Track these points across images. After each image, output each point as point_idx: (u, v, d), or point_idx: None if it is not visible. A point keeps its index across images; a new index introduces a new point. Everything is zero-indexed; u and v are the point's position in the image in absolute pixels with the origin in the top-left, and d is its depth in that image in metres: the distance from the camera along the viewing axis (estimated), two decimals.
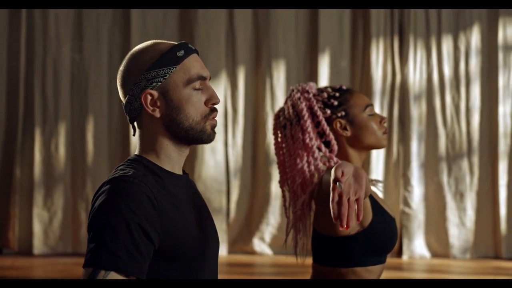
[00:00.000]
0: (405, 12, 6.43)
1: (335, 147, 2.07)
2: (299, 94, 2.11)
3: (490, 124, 6.43)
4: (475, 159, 6.39)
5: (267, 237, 6.48)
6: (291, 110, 2.11)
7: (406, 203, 6.36)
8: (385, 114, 6.42)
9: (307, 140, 2.06)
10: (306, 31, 6.57)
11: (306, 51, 6.57)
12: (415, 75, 6.43)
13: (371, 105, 2.12)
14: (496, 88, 6.39)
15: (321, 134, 2.10)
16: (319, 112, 2.08)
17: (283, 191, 2.18)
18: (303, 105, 2.08)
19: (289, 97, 2.14)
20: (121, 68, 1.63)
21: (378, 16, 6.44)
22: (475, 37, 6.43)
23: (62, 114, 6.44)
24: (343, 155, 2.09)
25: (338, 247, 1.99)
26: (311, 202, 2.11)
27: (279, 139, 2.16)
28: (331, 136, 2.07)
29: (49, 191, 6.40)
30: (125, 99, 1.62)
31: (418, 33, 6.43)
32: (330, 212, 1.95)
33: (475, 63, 6.43)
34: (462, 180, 6.38)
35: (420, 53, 6.44)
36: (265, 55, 6.54)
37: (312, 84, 2.16)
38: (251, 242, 6.49)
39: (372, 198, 2.03)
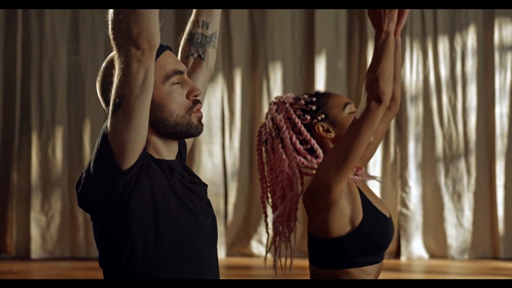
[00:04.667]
0: None
1: (319, 152, 2.07)
2: (276, 106, 2.13)
3: (487, 125, 6.43)
4: (472, 160, 6.39)
5: (265, 239, 6.47)
6: (270, 124, 2.13)
7: (404, 204, 6.36)
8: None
9: (287, 151, 2.07)
10: (302, 33, 6.57)
11: (303, 53, 6.57)
12: (412, 76, 6.43)
13: (350, 103, 2.12)
14: (492, 88, 6.40)
15: (306, 142, 2.10)
16: (297, 120, 2.08)
17: (264, 207, 2.18)
18: (281, 116, 2.10)
19: (268, 111, 2.15)
20: (98, 78, 1.64)
21: None
22: (471, 37, 6.44)
23: (59, 118, 6.43)
24: None
25: (331, 249, 1.99)
26: (294, 214, 2.11)
27: (263, 154, 2.17)
28: (313, 142, 2.08)
29: (46, 195, 6.39)
30: (107, 108, 1.62)
31: (414, 34, 6.44)
32: (321, 214, 1.96)
33: (471, 64, 6.43)
34: (460, 181, 6.38)
35: (416, 54, 6.45)
36: (261, 57, 6.55)
37: (289, 94, 2.18)
38: (249, 245, 6.48)
39: (364, 197, 2.02)
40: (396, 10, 1.96)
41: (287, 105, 2.12)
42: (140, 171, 1.51)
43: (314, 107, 2.09)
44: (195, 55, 1.86)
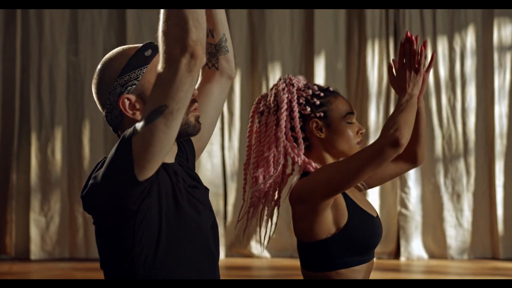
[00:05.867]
0: (400, 13, 6.44)
1: (302, 146, 2.07)
2: (284, 85, 2.11)
3: (486, 125, 6.43)
4: (472, 160, 6.40)
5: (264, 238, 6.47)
6: (272, 99, 2.11)
7: (403, 205, 6.36)
8: (381, 115, 6.42)
9: (279, 133, 2.06)
10: (301, 33, 6.58)
11: (302, 53, 6.58)
12: None
13: (353, 113, 2.11)
14: (491, 88, 6.40)
15: (294, 130, 2.09)
16: (296, 108, 2.08)
17: (245, 174, 2.18)
18: (285, 97, 2.08)
19: (275, 85, 2.14)
20: (94, 81, 1.63)
21: (373, 17, 6.45)
22: (470, 38, 6.44)
23: (58, 119, 6.44)
24: (317, 156, 2.08)
25: (318, 252, 1.99)
26: (272, 193, 2.10)
27: (255, 123, 2.16)
28: (300, 134, 2.07)
29: (45, 196, 6.39)
30: (104, 110, 1.62)
31: (413, 34, 6.43)
32: (305, 218, 1.97)
33: (470, 64, 6.44)
34: (459, 181, 6.39)
35: None
36: (260, 58, 6.55)
37: (301, 78, 2.15)
38: (248, 245, 6.48)
39: (348, 198, 2.02)
40: (421, 76, 1.96)
41: (295, 89, 2.11)
42: (153, 180, 1.51)
43: (318, 102, 2.08)
44: (209, 64, 1.84)
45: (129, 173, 1.45)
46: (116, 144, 1.49)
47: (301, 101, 2.09)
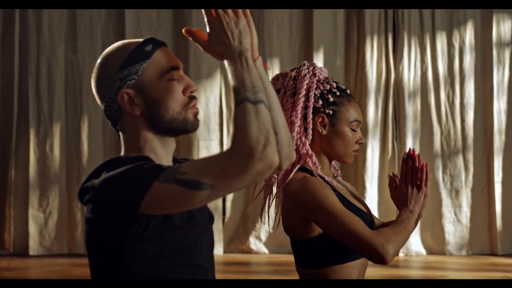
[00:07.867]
0: (399, 10, 6.44)
1: (310, 136, 2.07)
2: (306, 72, 2.10)
3: (485, 121, 6.44)
4: (470, 156, 6.40)
5: (263, 236, 6.48)
6: (291, 81, 2.10)
7: None
8: (380, 112, 6.42)
9: (294, 117, 2.06)
10: (300, 30, 6.57)
11: (301, 50, 6.57)
12: (410, 73, 6.43)
13: (360, 122, 2.10)
14: (490, 85, 6.40)
15: (305, 117, 2.09)
16: (312, 98, 2.07)
17: None
18: (304, 84, 2.07)
19: (296, 68, 2.12)
20: (93, 74, 1.61)
21: (372, 14, 6.45)
22: (469, 34, 6.44)
23: (56, 115, 6.43)
24: (316, 150, 2.08)
25: (312, 249, 1.98)
26: (285, 179, 2.09)
27: None
28: (310, 125, 2.07)
29: (44, 192, 6.39)
30: (103, 104, 1.60)
31: (412, 30, 6.44)
32: (296, 218, 1.97)
33: (469, 60, 6.44)
34: (458, 177, 6.39)
35: (414, 51, 6.45)
36: (259, 54, 6.53)
37: (324, 70, 2.14)
38: (247, 241, 6.49)
39: (341, 195, 2.02)
40: (423, 193, 2.00)
41: (316, 79, 2.10)
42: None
43: (331, 99, 2.07)
44: None
45: (131, 207, 1.43)
46: (134, 170, 1.45)
47: (316, 92, 2.08)
